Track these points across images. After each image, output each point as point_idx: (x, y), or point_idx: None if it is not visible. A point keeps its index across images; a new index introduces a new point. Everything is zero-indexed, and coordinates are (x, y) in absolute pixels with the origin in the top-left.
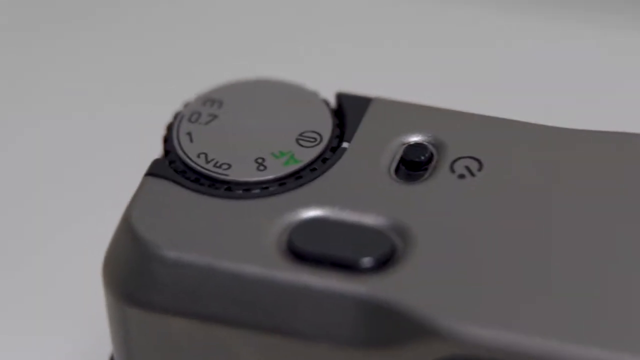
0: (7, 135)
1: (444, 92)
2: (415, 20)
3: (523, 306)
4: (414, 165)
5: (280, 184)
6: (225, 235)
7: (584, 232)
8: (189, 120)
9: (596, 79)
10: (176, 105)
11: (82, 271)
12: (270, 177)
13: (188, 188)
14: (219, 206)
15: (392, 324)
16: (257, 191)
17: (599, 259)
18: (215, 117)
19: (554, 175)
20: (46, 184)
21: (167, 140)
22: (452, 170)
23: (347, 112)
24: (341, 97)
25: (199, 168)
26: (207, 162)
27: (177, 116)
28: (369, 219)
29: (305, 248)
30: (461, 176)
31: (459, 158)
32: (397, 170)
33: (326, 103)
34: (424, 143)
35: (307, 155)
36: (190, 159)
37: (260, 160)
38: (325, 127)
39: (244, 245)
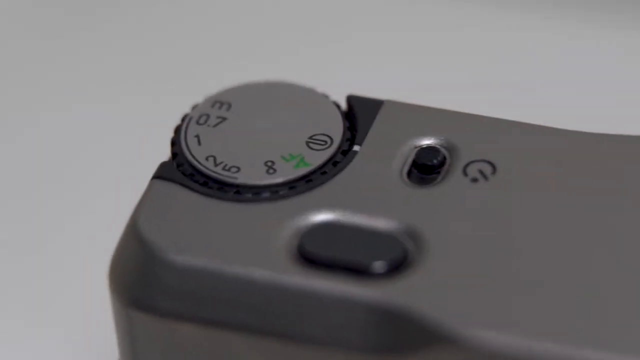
0: (7, 135)
1: (455, 95)
2: (427, 23)
3: (538, 312)
4: (426, 168)
5: (291, 188)
6: (234, 239)
7: (603, 236)
8: (197, 122)
9: (596, 79)
10: (182, 106)
11: (87, 275)
12: (280, 180)
13: (196, 191)
14: (227, 210)
15: (403, 330)
16: (266, 195)
17: (623, 265)
18: (224, 119)
19: (568, 179)
20: (49, 187)
21: (175, 143)
22: (465, 173)
23: (358, 114)
24: (352, 100)
25: (207, 171)
26: (216, 165)
27: (185, 118)
28: (381, 223)
29: (316, 252)
30: (474, 180)
31: (472, 161)
32: (409, 173)
33: (337, 106)
34: (437, 146)
35: (318, 158)
36: (199, 161)
37: (270, 164)
38: (336, 130)
39: (254, 249)
